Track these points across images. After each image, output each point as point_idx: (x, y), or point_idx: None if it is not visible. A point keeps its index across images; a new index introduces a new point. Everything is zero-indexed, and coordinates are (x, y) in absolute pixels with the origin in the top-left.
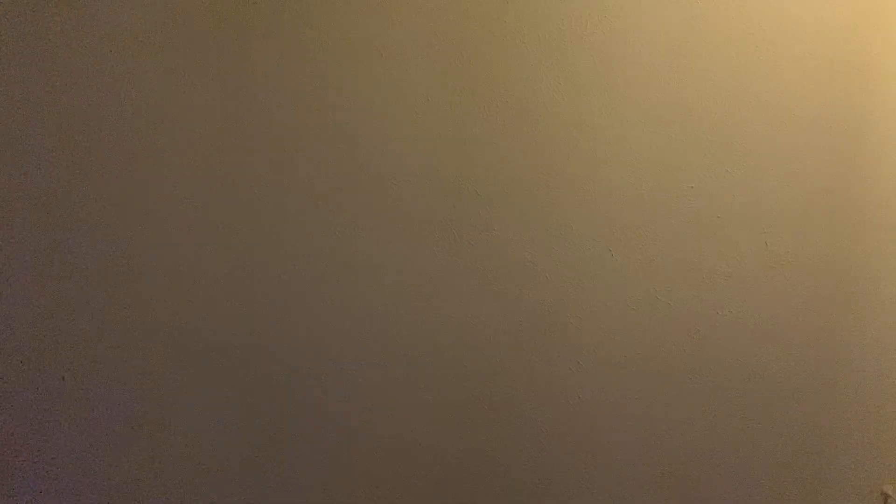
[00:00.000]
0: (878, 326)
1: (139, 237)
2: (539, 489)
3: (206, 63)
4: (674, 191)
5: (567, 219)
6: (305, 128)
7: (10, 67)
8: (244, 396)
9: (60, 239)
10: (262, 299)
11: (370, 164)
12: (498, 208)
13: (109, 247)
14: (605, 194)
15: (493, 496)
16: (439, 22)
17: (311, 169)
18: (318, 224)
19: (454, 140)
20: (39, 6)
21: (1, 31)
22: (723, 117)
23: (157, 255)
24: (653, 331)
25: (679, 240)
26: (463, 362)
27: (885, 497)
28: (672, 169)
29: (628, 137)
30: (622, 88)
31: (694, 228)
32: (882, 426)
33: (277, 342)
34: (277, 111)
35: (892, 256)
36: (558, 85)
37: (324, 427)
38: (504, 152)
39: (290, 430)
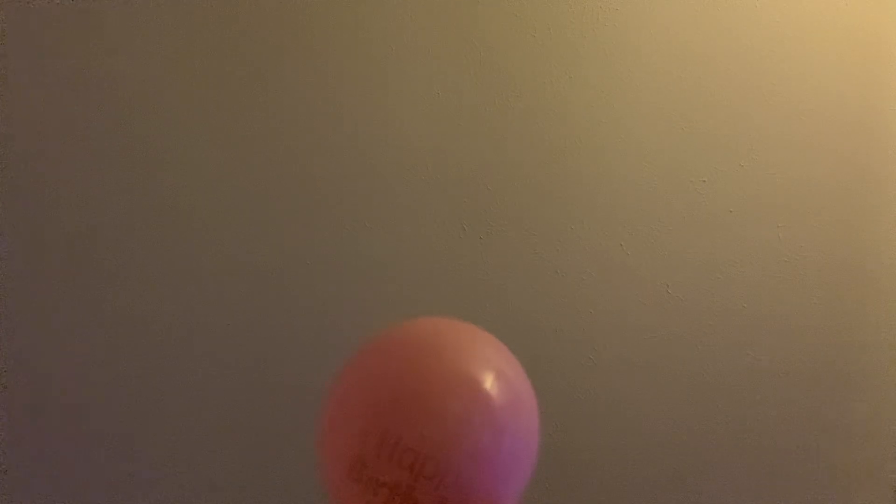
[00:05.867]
0: (891, 322)
1: (146, 238)
2: (547, 485)
3: (214, 58)
4: (686, 185)
5: (578, 214)
6: (315, 124)
7: (22, 73)
8: (249, 398)
9: (66, 240)
10: (270, 297)
11: (380, 160)
12: (508, 203)
13: (115, 248)
14: (616, 189)
15: None
16: (450, 18)
17: (320, 165)
18: (328, 221)
19: (465, 135)
20: (52, 13)
21: (11, 37)
22: (735, 111)
23: (166, 255)
24: (664, 325)
25: (691, 234)
26: None
27: None
28: (684, 163)
29: (640, 132)
30: (633, 82)
31: (706, 223)
32: (894, 421)
33: (285, 341)
34: (286, 107)
35: None
36: (569, 79)
37: None
38: (515, 147)
39: (295, 432)
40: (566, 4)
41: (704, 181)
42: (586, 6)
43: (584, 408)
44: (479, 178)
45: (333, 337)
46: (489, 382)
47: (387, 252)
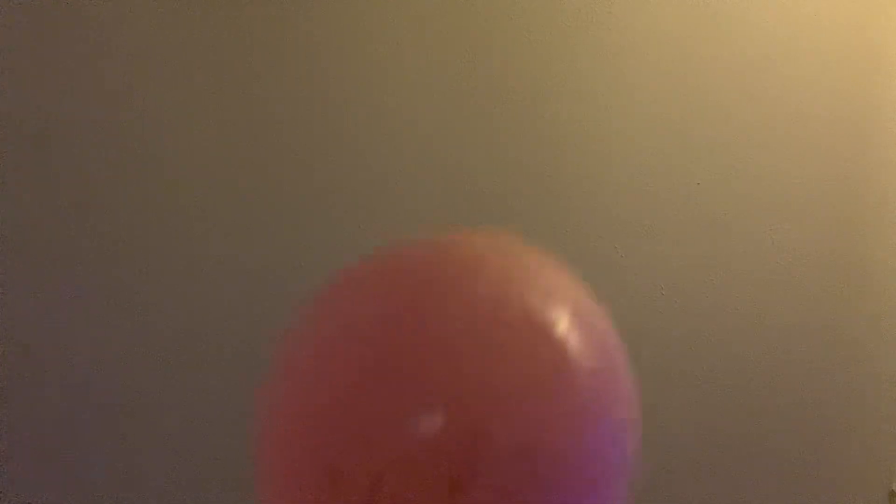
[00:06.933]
0: (886, 325)
1: (142, 239)
2: None
3: (208, 61)
4: (680, 188)
5: (572, 215)
6: (311, 123)
7: (11, 71)
8: (247, 398)
9: (63, 238)
10: (266, 298)
11: (376, 160)
12: (501, 204)
13: (113, 249)
14: (610, 191)
15: None
16: (443, 16)
17: (311, 166)
18: (323, 221)
19: (457, 135)
20: (41, 10)
21: (1, 35)
22: (730, 114)
23: (163, 255)
24: (658, 328)
25: (685, 237)
26: None
27: (893, 495)
28: (678, 166)
29: (634, 134)
30: (628, 84)
31: (700, 226)
32: (890, 424)
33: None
34: (282, 105)
35: None
36: (564, 81)
37: None
38: (508, 148)
39: None
40: (562, 5)
41: (699, 184)
42: (581, 6)
43: None
44: (471, 178)
45: None
46: (561, 334)
47: None
